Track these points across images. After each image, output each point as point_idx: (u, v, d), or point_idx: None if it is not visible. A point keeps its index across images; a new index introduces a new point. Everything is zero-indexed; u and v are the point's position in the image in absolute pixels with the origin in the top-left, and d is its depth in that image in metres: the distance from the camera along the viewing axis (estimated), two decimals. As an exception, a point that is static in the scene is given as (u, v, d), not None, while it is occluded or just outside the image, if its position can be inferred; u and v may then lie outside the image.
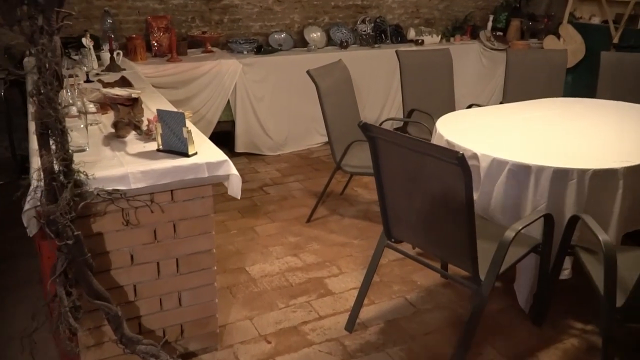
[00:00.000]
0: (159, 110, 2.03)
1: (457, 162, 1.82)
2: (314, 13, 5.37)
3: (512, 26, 6.11)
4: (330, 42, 5.42)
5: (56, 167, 1.68)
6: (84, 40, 3.56)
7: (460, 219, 1.97)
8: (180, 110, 2.07)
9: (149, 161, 1.98)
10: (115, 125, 2.21)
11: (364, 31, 5.60)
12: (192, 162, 1.99)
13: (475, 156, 2.55)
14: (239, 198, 2.17)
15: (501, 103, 4.22)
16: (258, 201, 3.96)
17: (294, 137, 5.09)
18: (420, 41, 5.66)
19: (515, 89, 4.31)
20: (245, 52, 4.86)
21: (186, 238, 2.09)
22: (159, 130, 2.04)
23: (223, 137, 4.82)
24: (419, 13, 6.02)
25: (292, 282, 2.93)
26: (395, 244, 2.45)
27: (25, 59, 3.48)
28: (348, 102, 3.72)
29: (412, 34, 5.80)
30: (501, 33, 6.10)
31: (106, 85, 3.01)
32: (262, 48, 4.85)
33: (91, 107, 2.52)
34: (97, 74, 3.44)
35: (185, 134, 1.98)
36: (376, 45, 5.46)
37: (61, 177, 1.69)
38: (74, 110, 2.09)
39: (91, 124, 2.37)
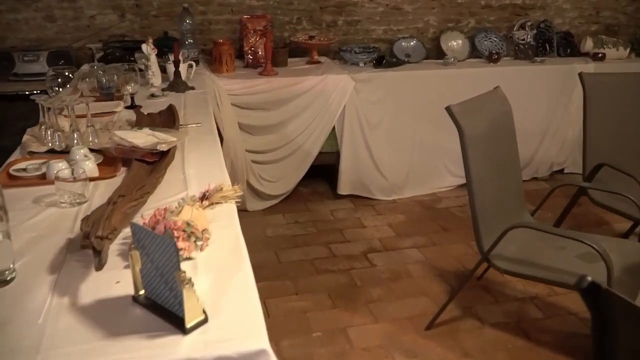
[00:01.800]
0: (132, 226, 0.96)
1: None
2: (456, 15, 4.10)
3: None
4: (474, 52, 4.11)
5: None
6: (144, 46, 2.65)
7: None
8: (170, 239, 0.96)
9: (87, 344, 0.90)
10: (87, 225, 1.16)
11: (522, 40, 4.20)
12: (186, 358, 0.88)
13: None
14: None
15: None
16: (359, 278, 2.81)
17: (417, 177, 3.86)
18: (600, 55, 4.15)
19: None
20: (361, 64, 3.73)
21: None
22: (136, 262, 0.96)
23: (324, 172, 3.76)
24: (599, 17, 4.48)
25: None
26: None
27: None
28: (506, 156, 2.44)
29: (588, 44, 4.28)
30: None
31: (140, 119, 2.03)
32: (384, 59, 3.68)
33: (88, 164, 1.53)
34: (153, 95, 2.51)
35: (180, 286, 0.88)
36: (537, 60, 4.05)
37: None
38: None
39: (71, 204, 1.38)
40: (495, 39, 4.26)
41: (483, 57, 4.10)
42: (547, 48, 4.34)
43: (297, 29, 3.82)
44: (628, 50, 4.26)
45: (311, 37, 3.79)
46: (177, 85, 2.61)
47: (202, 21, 3.60)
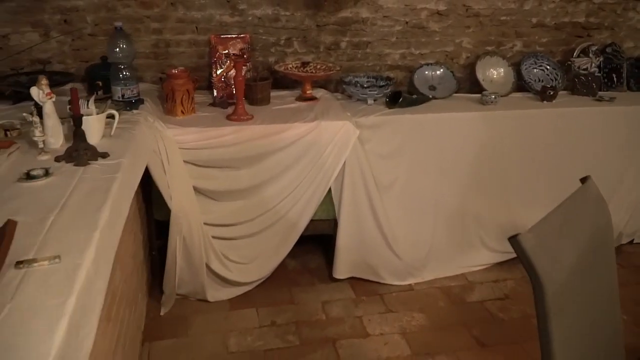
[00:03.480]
0: None
1: None
2: (498, 35, 3.12)
3: None
4: (519, 83, 3.13)
5: None
6: (33, 91, 1.75)
7: None
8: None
9: None
10: None
11: (584, 69, 3.20)
12: None
13: None
14: None
15: None
16: None
17: (441, 253, 2.90)
18: (689, 92, 3.13)
19: None
20: (370, 102, 2.79)
21: None
22: None
23: (317, 244, 2.84)
24: (683, 39, 3.45)
25: None
26: None
27: None
28: (604, 300, 1.45)
29: (671, 76, 3.27)
30: None
31: None
32: (401, 96, 2.72)
33: None
34: (29, 175, 1.58)
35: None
36: (605, 97, 3.05)
37: None
38: None
39: None
40: (547, 67, 3.27)
41: (532, 91, 3.12)
42: (615, 80, 3.33)
43: (287, 53, 2.88)
44: None
45: (305, 64, 2.85)
46: (77, 153, 1.68)
47: (157, 42, 2.68)
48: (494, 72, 3.22)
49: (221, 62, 2.69)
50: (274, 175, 2.49)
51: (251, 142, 2.40)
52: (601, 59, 3.20)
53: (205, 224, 2.42)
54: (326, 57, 2.94)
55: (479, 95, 3.01)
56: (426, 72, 3.12)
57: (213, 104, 2.63)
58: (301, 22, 2.79)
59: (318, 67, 2.86)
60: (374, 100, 2.82)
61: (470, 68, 3.19)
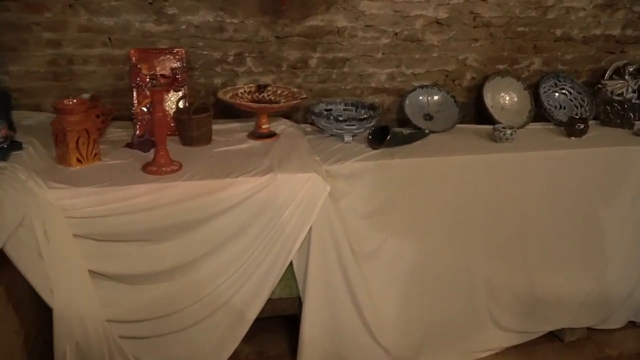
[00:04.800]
0: None
1: None
2: (513, 50, 2.44)
3: None
4: (537, 111, 2.47)
5: None
6: None
7: None
8: None
9: None
10: None
11: (619, 94, 2.54)
12: None
13: None
14: None
15: None
16: None
17: (440, 334, 2.22)
18: None
19: None
20: (347, 139, 2.10)
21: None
22: None
23: (279, 322, 2.14)
24: None
25: None
26: None
27: None
28: None
29: None
30: None
31: None
32: (389, 132, 2.02)
33: None
34: None
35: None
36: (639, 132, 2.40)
37: None
38: None
39: None
40: (571, 90, 2.60)
41: (553, 121, 2.45)
42: (651, 106, 2.67)
43: (238, 73, 2.17)
44: None
45: (261, 88, 2.14)
46: None
47: (55, 59, 1.95)
48: (506, 97, 2.54)
49: (145, 85, 1.96)
50: (212, 249, 1.78)
51: (178, 205, 1.68)
52: (636, 81, 2.53)
53: (109, 321, 1.69)
54: (290, 79, 2.24)
55: (488, 127, 2.34)
56: (421, 97, 2.43)
57: (130, 145, 1.90)
58: (255, 32, 2.08)
59: (279, 92, 2.15)
60: (353, 136, 2.13)
61: (476, 91, 2.51)
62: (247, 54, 2.13)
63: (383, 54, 2.27)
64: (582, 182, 2.22)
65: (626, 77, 2.51)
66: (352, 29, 2.16)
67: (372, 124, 2.13)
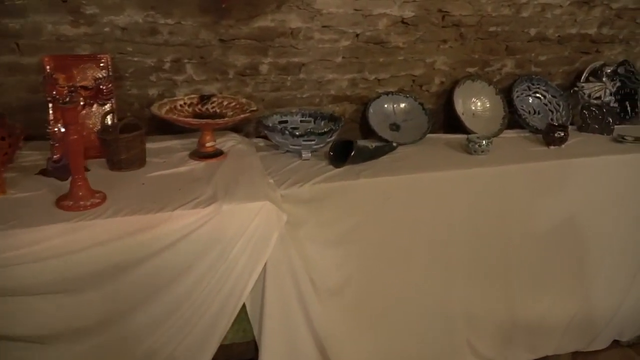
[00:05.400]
0: None
1: None
2: (484, 52, 2.22)
3: None
4: (511, 117, 2.27)
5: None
6: None
7: None
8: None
9: None
10: None
11: (597, 97, 2.36)
12: None
13: None
14: None
15: None
16: None
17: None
18: None
19: None
20: (306, 155, 1.83)
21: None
22: None
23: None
24: None
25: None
26: None
27: None
28: None
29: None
30: None
31: None
32: (353, 147, 1.77)
33: None
34: None
35: None
36: (629, 138, 2.22)
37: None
38: None
39: None
40: (545, 94, 2.41)
41: (528, 128, 2.26)
42: (629, 109, 2.52)
43: (176, 82, 1.87)
44: None
45: (205, 99, 1.85)
46: None
47: None
48: (478, 103, 2.33)
49: (63, 99, 1.64)
50: (147, 296, 1.48)
51: (99, 248, 1.38)
52: (618, 83, 2.37)
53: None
54: (239, 87, 1.95)
55: (460, 136, 2.12)
56: (386, 106, 2.19)
57: (45, 172, 1.58)
58: (194, 35, 1.78)
59: (226, 103, 1.87)
60: (310, 151, 1.86)
61: (446, 97, 2.29)
62: (186, 60, 1.84)
63: (343, 57, 2.02)
64: (564, 196, 2.03)
65: (603, 79, 2.34)
66: (308, 30, 1.89)
67: (334, 137, 1.88)
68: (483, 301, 2.02)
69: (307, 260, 1.67)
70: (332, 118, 1.99)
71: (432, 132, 2.17)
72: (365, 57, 2.04)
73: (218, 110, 1.84)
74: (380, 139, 2.06)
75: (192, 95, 1.86)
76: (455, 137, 2.18)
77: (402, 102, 2.21)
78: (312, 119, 2.03)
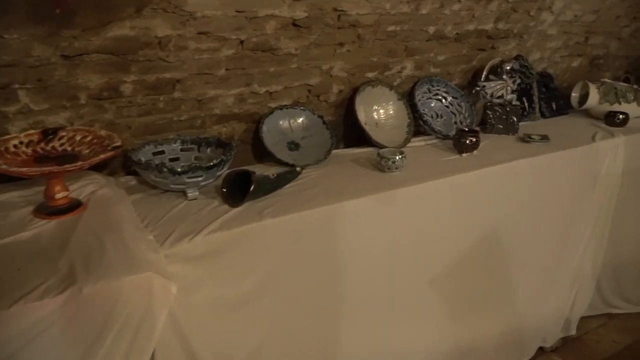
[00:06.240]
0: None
1: None
2: (383, 55, 1.99)
3: None
4: (417, 124, 2.08)
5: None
6: None
7: None
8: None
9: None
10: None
11: (499, 96, 2.24)
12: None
13: None
14: None
15: None
16: None
17: None
18: (621, 118, 2.36)
19: None
20: (191, 194, 1.46)
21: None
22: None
23: None
24: (587, 46, 2.71)
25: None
26: None
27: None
28: None
29: (592, 98, 2.48)
30: None
31: None
32: (251, 179, 1.43)
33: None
34: None
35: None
36: (535, 137, 2.13)
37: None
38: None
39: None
40: (446, 97, 2.25)
41: (434, 134, 2.09)
42: (526, 105, 2.45)
43: (8, 115, 1.40)
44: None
45: (49, 135, 1.40)
46: None
47: None
48: (380, 111, 2.11)
49: None
50: None
51: None
52: (518, 80, 2.27)
53: None
54: (96, 114, 1.52)
55: (368, 150, 1.89)
56: (281, 122, 1.88)
57: None
58: (26, 51, 1.33)
59: (79, 138, 1.43)
60: (198, 189, 1.50)
61: (346, 107, 2.03)
62: (18, 85, 1.37)
63: (227, 69, 1.67)
64: (484, 208, 1.86)
65: (504, 76, 2.23)
66: (180, 38, 1.51)
67: (225, 169, 1.53)
68: (413, 339, 1.80)
69: (208, 332, 1.31)
70: (221, 143, 1.63)
71: (335, 147, 1.90)
72: (252, 67, 1.71)
73: (69, 148, 1.41)
74: (279, 162, 1.75)
75: (32, 131, 1.41)
76: (363, 151, 1.94)
77: (299, 117, 1.91)
78: (196, 146, 1.66)
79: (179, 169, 1.41)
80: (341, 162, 1.83)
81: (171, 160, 1.62)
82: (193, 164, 1.44)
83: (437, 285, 1.79)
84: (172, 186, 1.47)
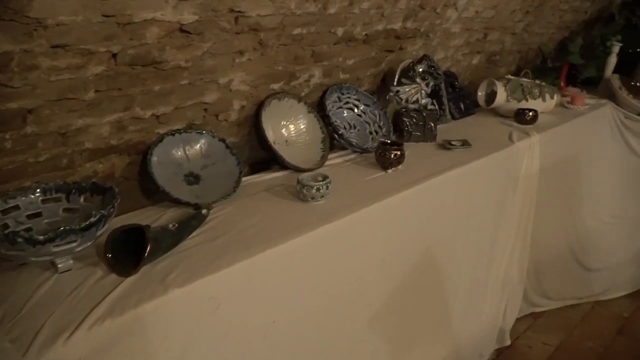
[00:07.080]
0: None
1: None
2: (288, 62, 1.70)
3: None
4: (331, 139, 1.83)
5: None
6: None
7: None
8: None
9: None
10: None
11: (414, 101, 2.07)
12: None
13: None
14: None
15: None
16: None
17: None
18: (531, 115, 2.30)
19: None
20: (63, 264, 1.08)
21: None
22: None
23: None
24: (485, 43, 2.65)
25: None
26: None
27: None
28: None
29: (500, 96, 2.39)
30: None
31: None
32: (146, 237, 1.08)
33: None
34: None
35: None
36: (456, 143, 1.98)
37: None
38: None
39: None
40: (358, 105, 2.03)
41: (352, 148, 1.86)
42: (437, 108, 2.31)
43: None
44: (556, 96, 2.51)
45: None
46: None
47: None
48: (290, 127, 1.83)
49: None
50: None
51: None
52: (431, 82, 2.10)
53: None
54: None
55: (282, 174, 1.60)
56: (174, 151, 1.53)
57: None
58: None
59: None
60: (73, 259, 1.11)
61: (251, 125, 1.72)
62: None
63: (97, 91, 1.28)
64: (415, 229, 1.66)
65: (417, 79, 2.05)
66: (27, 55, 1.11)
67: (107, 226, 1.15)
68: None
69: None
70: (98, 188, 1.25)
71: (245, 174, 1.59)
72: (132, 86, 1.34)
73: None
74: (176, 201, 1.40)
75: None
76: (276, 176, 1.65)
77: (196, 142, 1.57)
78: (64, 194, 1.25)
79: (42, 238, 1.02)
80: (254, 193, 1.53)
81: (30, 217, 1.20)
82: (61, 228, 1.05)
83: (378, 325, 1.56)
84: (32, 259, 1.07)
